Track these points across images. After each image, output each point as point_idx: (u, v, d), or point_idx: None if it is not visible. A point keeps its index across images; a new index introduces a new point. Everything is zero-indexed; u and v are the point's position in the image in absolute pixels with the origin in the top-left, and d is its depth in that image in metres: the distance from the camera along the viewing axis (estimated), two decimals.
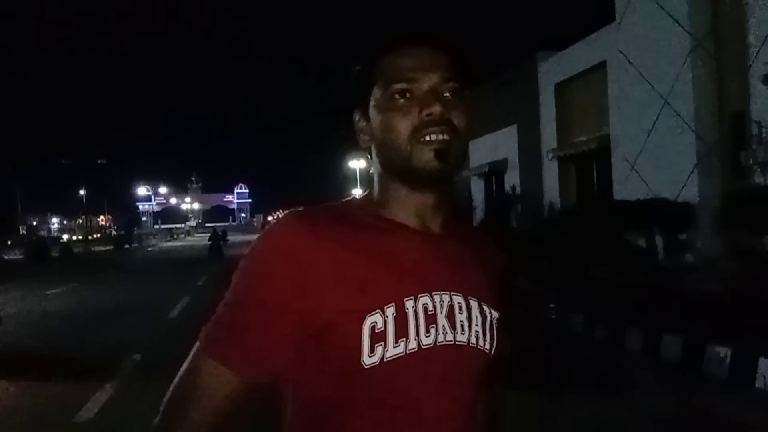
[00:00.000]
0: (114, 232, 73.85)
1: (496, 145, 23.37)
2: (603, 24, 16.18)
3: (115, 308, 13.87)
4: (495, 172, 23.65)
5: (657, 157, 13.75)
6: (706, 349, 6.73)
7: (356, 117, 1.12)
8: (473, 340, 1.07)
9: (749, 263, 9.87)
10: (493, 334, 1.10)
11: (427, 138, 1.02)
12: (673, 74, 13.14)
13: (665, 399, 6.04)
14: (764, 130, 11.06)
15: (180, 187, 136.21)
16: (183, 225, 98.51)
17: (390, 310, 0.98)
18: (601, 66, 16.20)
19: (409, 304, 1.00)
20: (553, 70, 19.25)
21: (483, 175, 24.98)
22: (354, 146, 1.13)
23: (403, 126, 1.03)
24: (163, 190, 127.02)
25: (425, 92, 1.03)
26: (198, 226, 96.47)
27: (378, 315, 0.97)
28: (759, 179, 11.26)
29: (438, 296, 1.04)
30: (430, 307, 1.02)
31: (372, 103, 1.07)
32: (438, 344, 1.01)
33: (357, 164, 53.49)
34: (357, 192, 53.38)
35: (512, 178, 22.28)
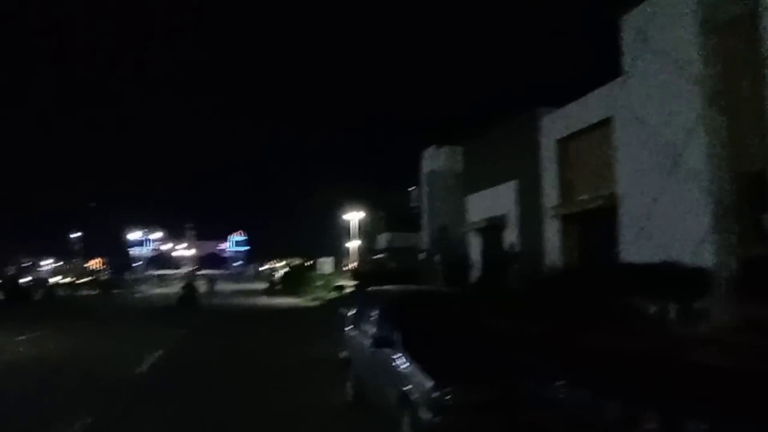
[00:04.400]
0: (107, 276, 72.63)
1: (495, 201, 22.65)
2: (608, 79, 15.67)
3: (81, 359, 12.82)
4: (493, 228, 22.83)
5: (668, 218, 12.96)
6: None
7: None
8: None
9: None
10: None
11: None
12: (684, 131, 12.49)
13: None
14: None
15: (175, 233, 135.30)
16: (175, 271, 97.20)
17: None
18: (607, 122, 15.60)
19: None
20: (555, 125, 18.69)
21: (480, 231, 24.19)
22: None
23: None
24: (157, 235, 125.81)
25: None
26: (192, 272, 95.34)
27: None
28: None
29: None
30: None
31: None
32: None
33: (352, 216, 53.03)
34: (353, 243, 52.74)
35: (511, 235, 21.46)
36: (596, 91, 16.40)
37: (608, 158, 15.47)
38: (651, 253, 12.66)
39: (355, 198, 55.52)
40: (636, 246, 13.80)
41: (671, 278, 11.28)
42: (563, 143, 18.32)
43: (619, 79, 14.96)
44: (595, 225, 16.88)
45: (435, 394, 6.18)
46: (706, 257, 11.72)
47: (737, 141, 11.84)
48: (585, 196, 17.09)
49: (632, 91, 14.30)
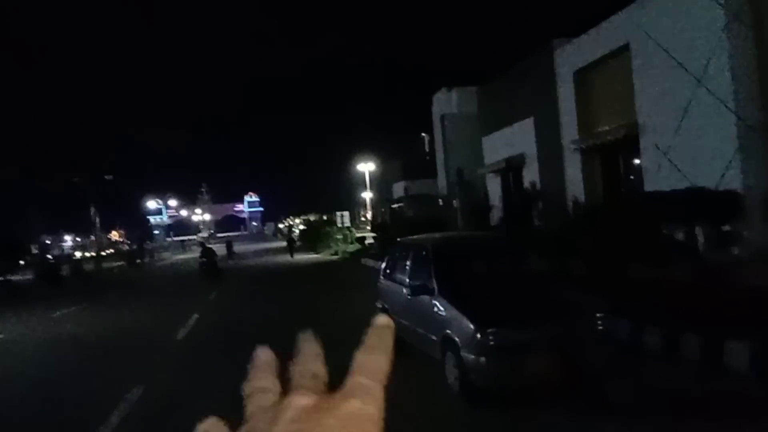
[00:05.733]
0: (127, 247, 73.52)
1: (512, 140, 22.39)
2: (623, 4, 15.17)
3: (120, 332, 13.08)
4: (512, 168, 22.64)
5: (692, 142, 12.74)
6: None
7: None
8: None
9: None
10: None
11: None
12: (706, 52, 12.13)
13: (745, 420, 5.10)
14: None
15: (191, 199, 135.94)
16: (195, 237, 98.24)
17: None
18: (624, 49, 15.19)
19: None
20: (570, 57, 18.25)
21: (499, 171, 24.00)
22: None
23: None
24: (173, 202, 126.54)
25: None
26: (210, 236, 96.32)
27: None
28: None
29: None
30: None
31: None
32: None
33: (366, 167, 52.85)
34: (367, 195, 52.65)
35: (531, 174, 21.28)
36: (611, 18, 15.91)
37: (627, 87, 15.12)
38: (676, 182, 12.52)
39: (368, 148, 55.27)
40: (660, 175, 13.64)
41: (699, 204, 11.17)
42: (580, 75, 17.91)
43: (635, 2, 14.50)
44: (617, 157, 16.67)
45: (477, 336, 6.24)
46: (734, 181, 11.56)
47: (763, 57, 11.50)
48: (605, 128, 16.82)
49: (649, 14, 13.87)
